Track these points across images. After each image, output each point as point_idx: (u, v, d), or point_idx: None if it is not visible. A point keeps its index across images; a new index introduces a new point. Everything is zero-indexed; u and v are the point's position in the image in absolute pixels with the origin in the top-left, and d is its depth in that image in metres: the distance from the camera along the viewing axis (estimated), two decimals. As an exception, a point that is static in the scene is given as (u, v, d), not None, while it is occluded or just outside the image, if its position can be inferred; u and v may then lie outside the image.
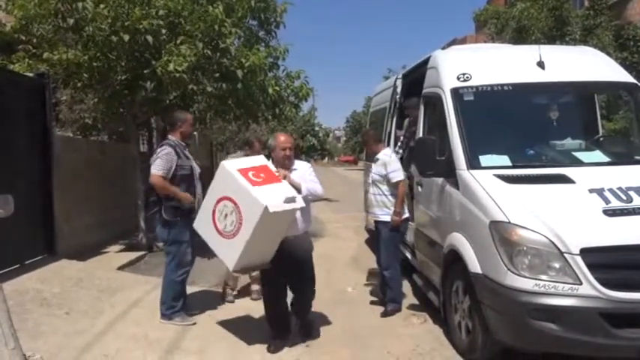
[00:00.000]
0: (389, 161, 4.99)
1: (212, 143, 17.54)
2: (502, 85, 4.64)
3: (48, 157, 6.55)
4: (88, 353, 3.95)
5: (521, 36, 14.97)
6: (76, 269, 6.19)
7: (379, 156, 5.06)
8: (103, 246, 7.87)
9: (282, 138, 4.14)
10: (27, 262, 5.99)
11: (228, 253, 3.78)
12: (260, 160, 4.04)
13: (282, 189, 3.80)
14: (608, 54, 13.95)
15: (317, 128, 22.25)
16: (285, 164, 4.04)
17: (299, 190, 3.91)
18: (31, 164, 6.27)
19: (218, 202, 3.76)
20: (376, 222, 5.07)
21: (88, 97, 8.91)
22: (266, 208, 3.55)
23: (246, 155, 5.19)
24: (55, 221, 6.59)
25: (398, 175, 4.93)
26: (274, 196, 3.67)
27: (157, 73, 6.63)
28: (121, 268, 6.70)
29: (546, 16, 14.88)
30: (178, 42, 6.76)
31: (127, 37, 6.39)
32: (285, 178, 3.89)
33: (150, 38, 6.50)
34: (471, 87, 4.62)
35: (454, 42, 26.33)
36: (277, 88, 7.96)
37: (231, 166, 3.86)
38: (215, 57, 7.07)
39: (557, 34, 14.72)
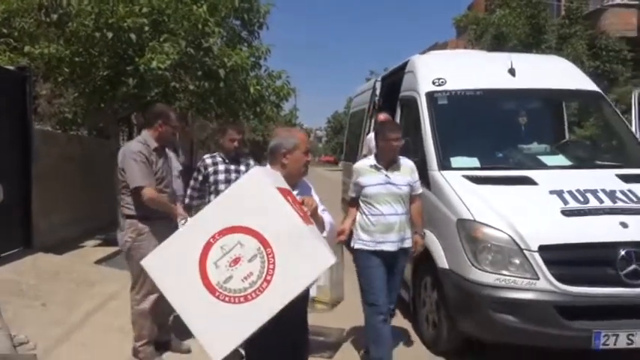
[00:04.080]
0: (414, 167, 3.80)
1: (193, 141, 17.52)
2: (474, 91, 4.85)
3: (27, 150, 6.55)
4: (66, 343, 4.02)
5: (499, 42, 15.33)
6: (53, 262, 6.21)
7: (404, 161, 3.76)
8: (80, 240, 7.88)
9: (303, 136, 2.68)
10: (3, 254, 5.99)
11: (225, 328, 2.06)
12: (279, 176, 2.48)
13: (317, 232, 2.37)
14: (582, 62, 14.54)
15: (298, 128, 22.48)
16: (302, 175, 2.66)
17: (323, 228, 2.58)
18: (9, 157, 6.26)
19: (222, 234, 2.10)
20: (393, 252, 3.66)
21: (68, 92, 8.91)
22: (336, 263, 2.19)
23: (221, 145, 4.25)
24: (33, 215, 6.60)
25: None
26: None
27: (139, 70, 6.71)
28: (99, 262, 6.75)
29: (524, 23, 15.28)
30: (162, 40, 6.84)
31: (110, 35, 6.46)
32: (313, 213, 2.41)
33: (133, 36, 6.58)
34: (445, 91, 4.82)
35: (436, 46, 26.73)
36: (258, 87, 8.10)
37: (268, 179, 2.24)
38: (198, 56, 7.17)
39: (533, 41, 15.13)
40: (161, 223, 3.72)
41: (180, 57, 6.86)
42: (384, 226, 3.60)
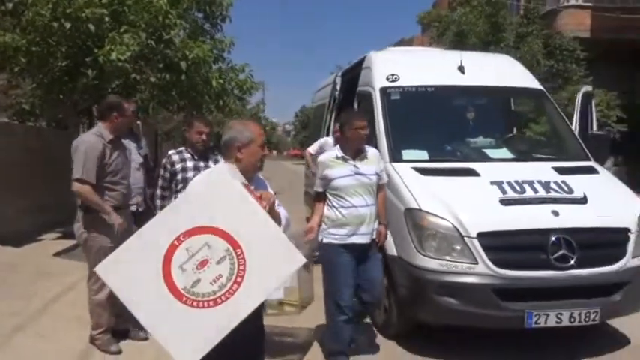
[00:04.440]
0: (379, 156, 3.84)
1: (157, 133, 17.34)
2: (426, 87, 5.08)
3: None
4: (23, 332, 4.06)
5: (460, 40, 15.76)
6: (11, 255, 6.18)
7: (370, 150, 3.75)
8: (39, 233, 7.79)
9: (259, 129, 2.61)
10: (-41, 247, 5.92)
11: (194, 334, 1.99)
12: (237, 172, 2.40)
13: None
14: (537, 61, 15.07)
15: (263, 122, 22.55)
16: (257, 170, 2.63)
17: (280, 223, 2.49)
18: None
19: (188, 235, 2.02)
20: (364, 244, 3.62)
21: (25, 82, 8.74)
22: (305, 263, 2.19)
23: (188, 139, 4.20)
24: (-11, 207, 6.51)
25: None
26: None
27: (98, 61, 6.67)
28: (57, 254, 6.71)
29: (484, 22, 15.73)
30: (122, 31, 6.82)
31: (68, 25, 6.40)
32: (270, 207, 2.37)
33: (92, 26, 6.54)
34: (398, 87, 5.03)
35: (402, 42, 27.21)
36: (221, 80, 8.15)
37: (232, 176, 2.20)
38: (159, 48, 7.17)
39: (493, 39, 15.60)
40: (117, 213, 3.79)
41: (141, 49, 6.85)
42: (356, 219, 3.54)
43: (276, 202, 2.55)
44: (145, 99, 8.15)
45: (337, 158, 3.62)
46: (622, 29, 16.90)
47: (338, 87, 7.34)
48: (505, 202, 3.85)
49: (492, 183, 4.04)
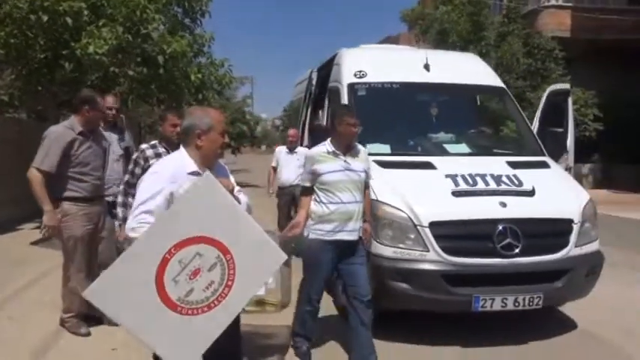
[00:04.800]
0: (367, 153, 3.76)
1: (140, 126, 17.39)
2: (391, 83, 5.28)
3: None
4: (-6, 316, 4.19)
5: (442, 38, 15.98)
6: (-13, 243, 6.28)
7: (360, 147, 3.69)
8: (17, 223, 7.90)
9: (219, 116, 2.65)
10: None
11: (189, 339, 2.07)
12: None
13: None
14: (517, 60, 15.32)
15: (248, 116, 22.66)
16: (217, 157, 2.66)
17: None
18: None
19: (179, 247, 2.06)
20: (351, 241, 3.53)
21: (4, 74, 8.80)
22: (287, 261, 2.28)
23: (162, 133, 4.04)
24: (-34, 196, 6.60)
25: None
26: None
27: (76, 54, 6.78)
28: (35, 243, 6.81)
29: (465, 20, 15.96)
30: (100, 24, 6.92)
31: (45, 18, 6.50)
32: (229, 192, 2.40)
33: (69, 20, 6.64)
34: (365, 83, 5.23)
35: (388, 39, 27.37)
36: (200, 75, 8.29)
37: (218, 182, 2.22)
38: (136, 42, 7.29)
39: (474, 38, 15.83)
40: (90, 204, 3.95)
41: (119, 42, 6.97)
42: (343, 215, 3.46)
43: (237, 189, 2.63)
44: (124, 92, 8.26)
45: (328, 153, 3.53)
46: (601, 29, 17.25)
47: (314, 82, 7.53)
48: (457, 194, 4.06)
49: (447, 176, 4.24)
